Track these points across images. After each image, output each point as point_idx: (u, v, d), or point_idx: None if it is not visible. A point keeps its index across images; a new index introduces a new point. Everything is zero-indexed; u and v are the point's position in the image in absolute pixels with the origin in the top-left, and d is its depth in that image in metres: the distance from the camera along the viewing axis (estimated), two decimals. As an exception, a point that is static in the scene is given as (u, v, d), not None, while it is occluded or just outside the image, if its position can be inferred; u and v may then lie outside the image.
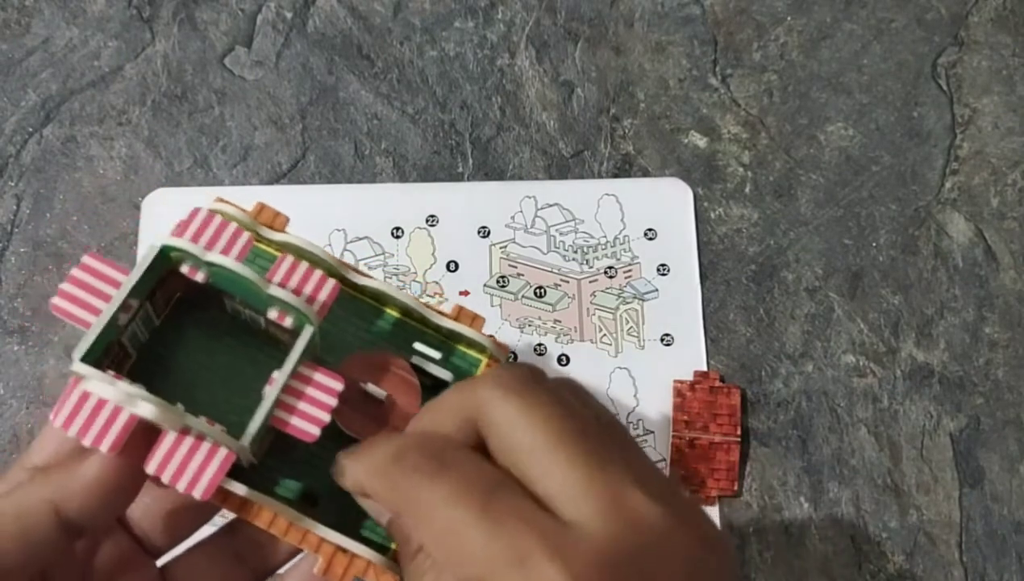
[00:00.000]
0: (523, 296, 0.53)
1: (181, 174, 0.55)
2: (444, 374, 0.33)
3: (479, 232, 0.54)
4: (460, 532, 0.25)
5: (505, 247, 0.54)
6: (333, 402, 0.30)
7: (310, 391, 0.30)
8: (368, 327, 0.34)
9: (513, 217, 0.54)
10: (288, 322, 0.30)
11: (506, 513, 0.25)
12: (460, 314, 0.34)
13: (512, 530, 0.24)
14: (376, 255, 0.53)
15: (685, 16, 0.60)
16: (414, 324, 0.35)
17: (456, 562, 0.25)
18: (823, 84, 0.59)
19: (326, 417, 0.29)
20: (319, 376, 0.30)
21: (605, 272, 0.53)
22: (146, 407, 0.27)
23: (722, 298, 0.54)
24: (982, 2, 0.61)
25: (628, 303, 0.53)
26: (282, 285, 0.30)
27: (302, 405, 0.29)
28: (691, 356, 0.52)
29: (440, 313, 0.34)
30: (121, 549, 0.33)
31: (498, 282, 0.53)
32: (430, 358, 0.34)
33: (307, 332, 0.30)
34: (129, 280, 0.29)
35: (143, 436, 0.28)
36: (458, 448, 0.27)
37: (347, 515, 0.31)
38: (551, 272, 0.53)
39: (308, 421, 0.29)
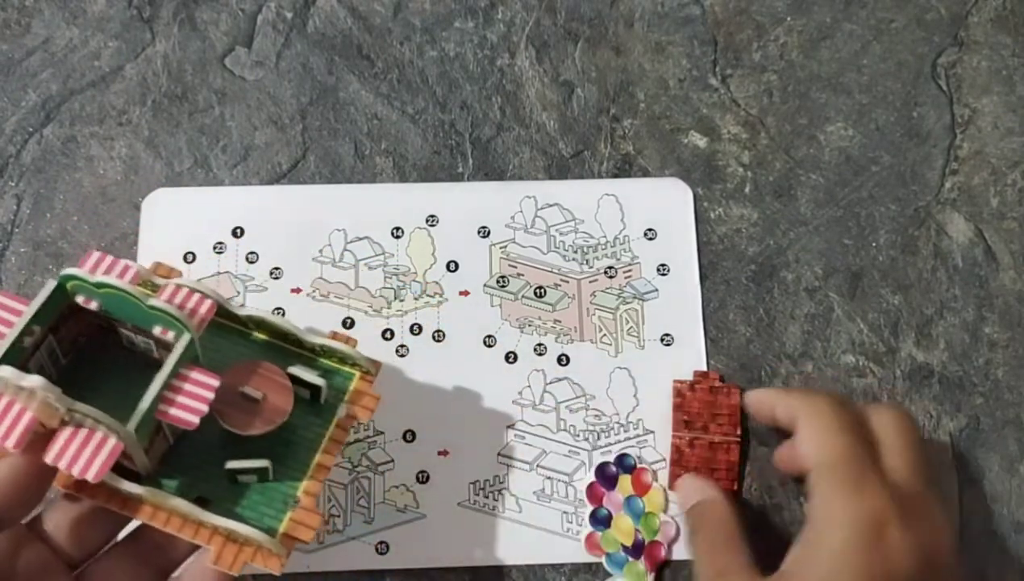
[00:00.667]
0: (523, 296, 0.53)
1: (181, 174, 0.55)
2: (316, 379, 0.39)
3: (479, 232, 0.54)
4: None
5: (505, 247, 0.54)
6: (210, 395, 0.34)
7: (188, 387, 0.34)
8: (247, 352, 0.40)
9: (513, 217, 0.54)
10: (170, 335, 0.35)
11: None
12: (335, 336, 0.41)
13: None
14: (376, 255, 0.53)
15: (685, 16, 0.60)
16: (290, 347, 0.41)
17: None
18: (823, 84, 0.59)
19: (203, 407, 0.34)
20: (196, 374, 0.34)
21: (605, 272, 0.53)
22: (33, 379, 0.30)
23: (722, 298, 0.54)
24: (982, 2, 0.61)
25: (628, 303, 0.53)
26: (166, 299, 0.35)
27: (181, 398, 0.34)
28: (691, 356, 0.52)
29: (314, 336, 0.40)
30: (41, 559, 0.35)
31: (498, 282, 0.53)
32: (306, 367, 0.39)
33: (184, 338, 0.34)
34: (32, 306, 0.34)
35: (44, 439, 0.32)
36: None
37: (234, 508, 0.37)
38: (551, 272, 0.53)
39: (187, 411, 0.34)
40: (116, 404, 0.34)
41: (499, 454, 0.49)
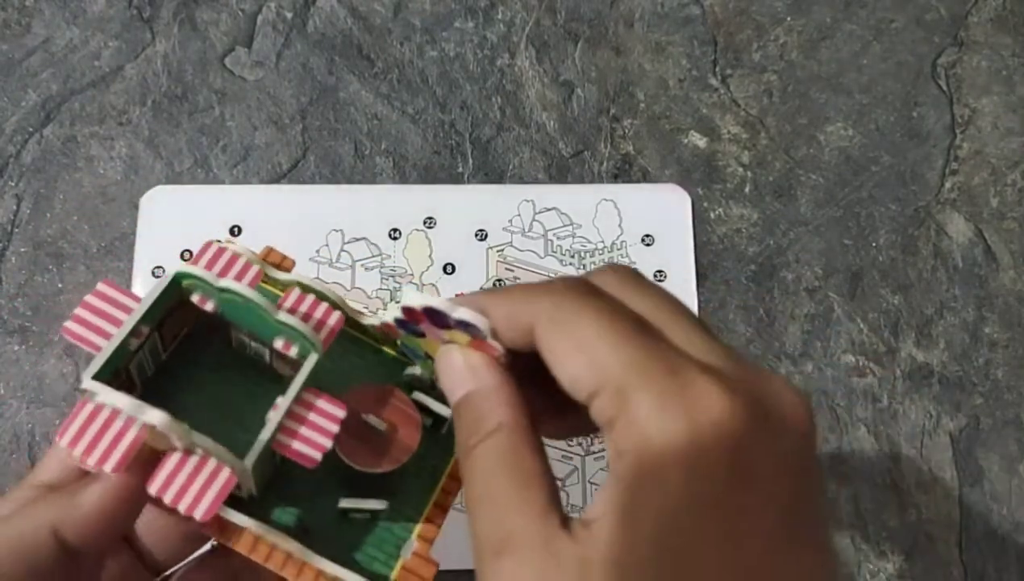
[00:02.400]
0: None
1: (181, 174, 0.55)
2: (444, 410, 0.33)
3: (477, 235, 0.54)
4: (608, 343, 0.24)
5: (502, 250, 0.54)
6: (335, 428, 0.30)
7: (312, 417, 0.30)
8: (369, 367, 0.35)
9: (511, 220, 0.54)
10: (293, 351, 0.31)
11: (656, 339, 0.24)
12: None
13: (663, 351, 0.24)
14: (373, 256, 0.53)
15: (685, 16, 0.60)
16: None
17: (601, 367, 0.24)
18: (823, 84, 0.59)
19: (328, 443, 0.30)
20: (322, 403, 0.30)
21: (604, 275, 0.53)
22: (156, 415, 0.27)
23: (722, 298, 0.54)
24: (982, 2, 0.61)
25: (626, 306, 0.53)
26: (290, 312, 0.31)
27: (304, 430, 0.30)
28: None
29: None
30: (122, 565, 0.34)
31: (495, 285, 0.53)
32: (430, 396, 0.34)
33: (311, 359, 0.30)
34: (141, 306, 0.30)
35: (147, 459, 0.29)
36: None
37: (342, 549, 0.32)
38: (548, 276, 0.53)
39: (310, 446, 0.30)
40: (215, 407, 0.32)
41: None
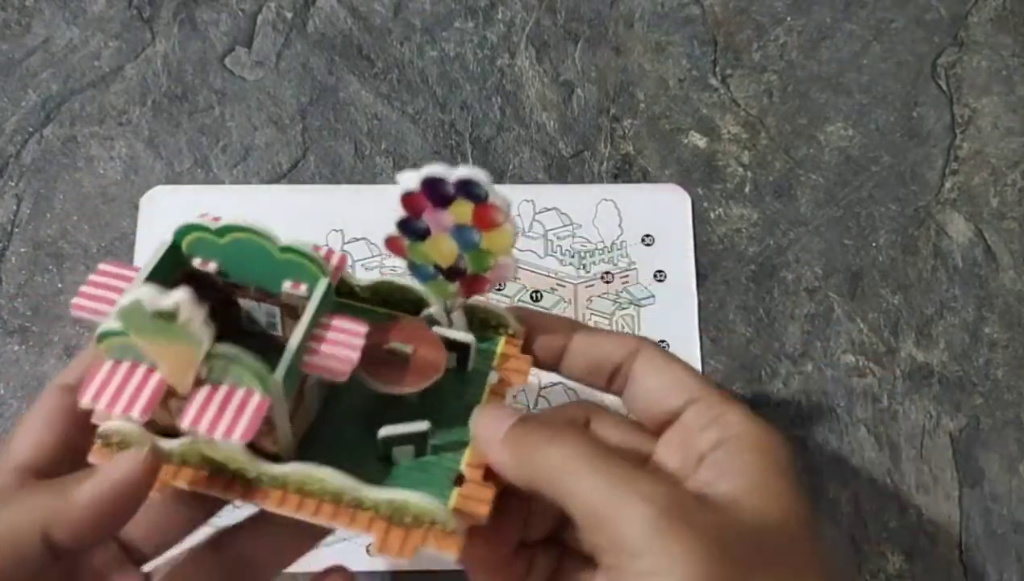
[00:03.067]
0: (519, 300, 0.53)
1: (181, 174, 0.55)
2: (467, 338, 0.34)
3: (477, 233, 0.54)
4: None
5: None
6: (359, 341, 0.30)
7: (334, 334, 0.30)
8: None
9: (512, 218, 0.54)
10: (303, 288, 0.31)
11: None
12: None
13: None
14: (373, 256, 0.53)
15: (685, 16, 0.60)
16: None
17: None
18: (823, 84, 0.59)
19: (355, 354, 0.29)
20: (341, 322, 0.30)
21: (602, 277, 0.53)
22: (177, 294, 0.26)
23: (722, 298, 0.54)
24: (982, 2, 0.61)
25: (624, 309, 0.53)
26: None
27: (328, 347, 0.30)
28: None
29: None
30: (107, 556, 0.33)
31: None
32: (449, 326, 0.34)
33: (322, 283, 0.30)
34: (146, 266, 0.30)
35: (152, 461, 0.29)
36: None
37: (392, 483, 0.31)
38: (548, 276, 0.53)
39: (338, 360, 0.29)
40: None
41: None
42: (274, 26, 0.58)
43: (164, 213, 0.54)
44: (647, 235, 0.54)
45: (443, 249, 0.32)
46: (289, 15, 0.59)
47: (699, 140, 0.57)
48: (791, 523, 0.29)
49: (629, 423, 0.35)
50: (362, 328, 0.30)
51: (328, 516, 0.30)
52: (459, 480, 0.32)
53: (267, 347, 0.32)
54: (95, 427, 0.32)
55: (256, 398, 0.28)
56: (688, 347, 0.52)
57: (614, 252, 0.54)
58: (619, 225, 0.55)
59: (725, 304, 0.54)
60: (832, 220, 0.56)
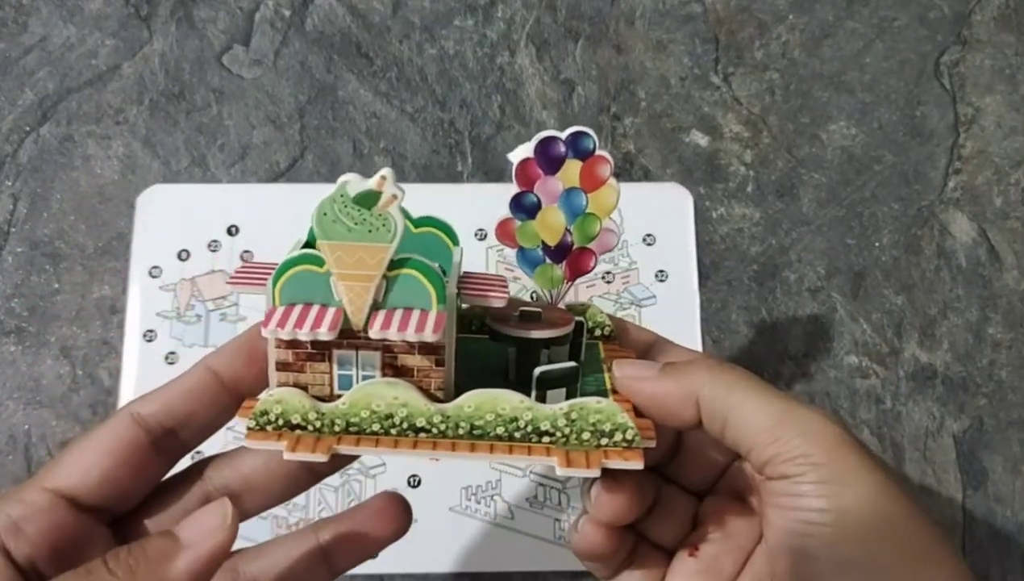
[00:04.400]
0: (521, 298, 0.52)
1: (179, 173, 0.55)
2: (567, 364, 0.34)
3: (476, 234, 0.54)
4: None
5: (502, 250, 0.53)
6: (505, 285, 0.33)
7: (483, 280, 0.33)
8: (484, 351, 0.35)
9: (513, 217, 0.54)
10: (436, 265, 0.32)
11: None
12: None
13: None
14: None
15: (686, 14, 0.60)
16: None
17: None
18: (825, 83, 0.58)
19: (506, 290, 0.32)
20: (484, 275, 0.33)
21: (603, 277, 0.53)
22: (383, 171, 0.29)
23: (724, 298, 0.53)
24: (985, 1, 0.60)
25: (625, 309, 0.53)
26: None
27: (484, 289, 0.32)
28: (692, 358, 0.52)
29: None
30: None
31: (498, 282, 0.53)
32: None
33: (457, 251, 0.34)
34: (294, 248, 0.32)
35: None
36: None
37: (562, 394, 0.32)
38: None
39: (497, 290, 0.32)
40: None
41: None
42: (272, 24, 0.58)
43: (161, 212, 0.53)
44: (648, 234, 0.54)
45: (552, 223, 0.35)
46: (287, 13, 0.58)
47: (701, 139, 0.57)
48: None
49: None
50: (504, 277, 0.33)
51: (504, 452, 0.30)
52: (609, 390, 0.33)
53: None
54: (154, 470, 0.32)
55: (434, 314, 0.30)
56: (691, 346, 0.52)
57: (615, 252, 0.54)
58: (620, 224, 0.54)
59: (727, 304, 0.53)
60: (835, 219, 0.55)
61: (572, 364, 0.32)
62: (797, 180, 0.56)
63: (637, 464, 0.30)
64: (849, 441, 0.29)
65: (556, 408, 0.30)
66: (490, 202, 0.54)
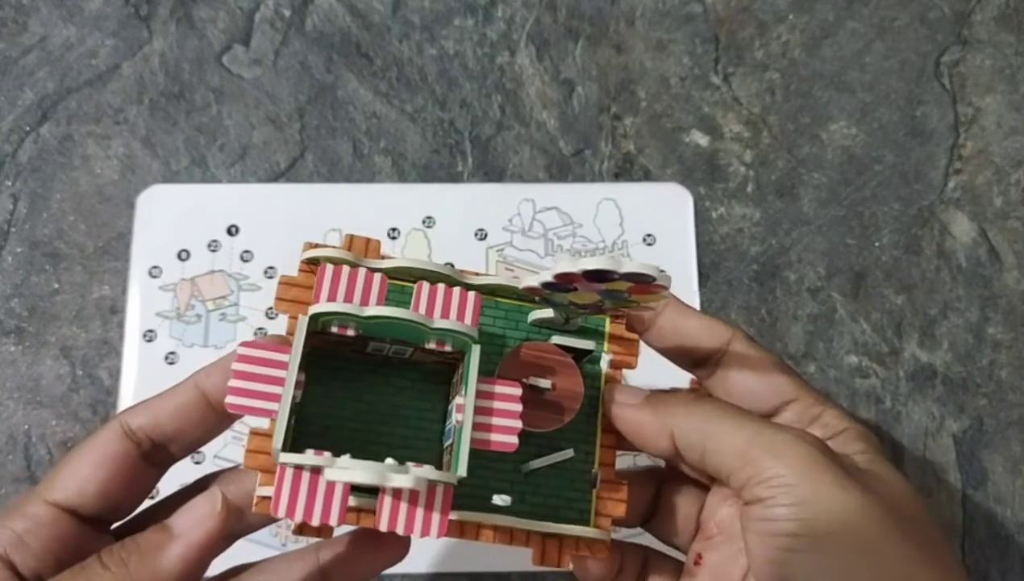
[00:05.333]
0: (522, 298, 0.52)
1: (178, 173, 0.55)
2: (586, 344, 0.34)
3: (476, 234, 0.54)
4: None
5: (502, 250, 0.53)
6: (519, 407, 0.31)
7: (496, 405, 0.31)
8: (497, 318, 0.35)
9: (511, 220, 0.54)
10: (448, 346, 0.31)
11: None
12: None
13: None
14: (375, 255, 0.53)
15: (686, 14, 0.59)
16: (531, 305, 0.35)
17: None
18: (825, 83, 0.58)
19: (519, 423, 0.30)
20: (498, 388, 0.31)
21: (604, 275, 0.53)
22: (367, 472, 0.27)
23: (724, 298, 0.53)
24: (985, 1, 0.60)
25: (627, 306, 0.53)
26: (429, 311, 0.31)
27: (494, 420, 0.30)
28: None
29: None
30: None
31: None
32: (567, 332, 0.35)
33: (475, 352, 0.31)
34: (293, 359, 0.29)
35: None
36: None
37: (539, 503, 0.33)
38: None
39: (505, 433, 0.30)
40: (368, 414, 0.32)
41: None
42: (272, 24, 0.58)
43: (161, 212, 0.53)
44: (648, 234, 0.54)
45: (586, 298, 0.32)
46: (287, 13, 0.58)
47: (701, 139, 0.57)
48: (907, 505, 0.30)
49: (774, 366, 0.36)
50: (517, 391, 0.31)
51: (489, 538, 0.32)
52: (594, 480, 0.34)
53: (386, 365, 0.33)
54: (147, 479, 0.33)
55: (441, 492, 0.29)
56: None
57: (615, 252, 0.54)
58: (620, 224, 0.54)
59: (727, 304, 0.53)
60: (835, 219, 0.55)
61: (567, 455, 0.33)
62: (797, 180, 0.56)
63: (605, 555, 0.33)
64: (823, 460, 0.28)
65: (539, 528, 0.32)
66: (490, 202, 0.54)
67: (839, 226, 0.55)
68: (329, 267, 0.30)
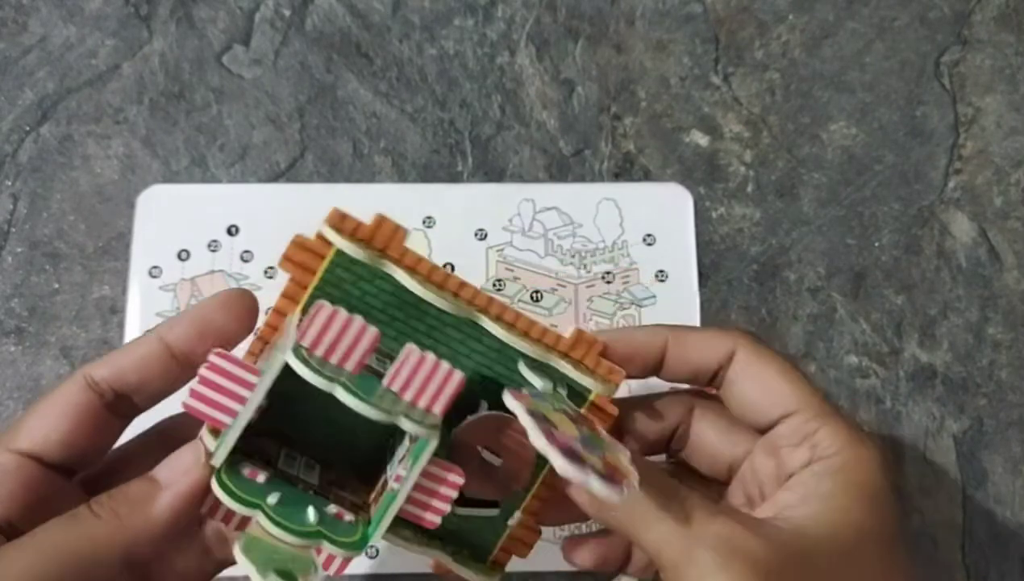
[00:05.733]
0: (519, 300, 0.52)
1: (178, 173, 0.55)
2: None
3: (476, 234, 0.54)
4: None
5: (502, 250, 0.53)
6: (453, 494, 0.31)
7: (438, 488, 0.31)
8: (486, 354, 0.34)
9: (511, 220, 0.54)
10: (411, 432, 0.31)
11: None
12: (579, 341, 0.34)
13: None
14: (375, 255, 0.53)
15: (686, 14, 0.59)
16: (517, 338, 0.34)
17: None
18: (825, 83, 0.58)
19: (447, 507, 0.31)
20: (446, 474, 0.31)
21: (603, 277, 0.53)
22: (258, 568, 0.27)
23: (724, 298, 0.53)
24: (985, 1, 0.60)
25: (625, 309, 0.53)
26: (403, 390, 0.30)
27: (430, 500, 0.31)
28: (691, 360, 0.52)
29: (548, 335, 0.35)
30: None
31: (494, 285, 0.53)
32: (531, 385, 0.34)
33: (430, 447, 0.30)
34: (260, 389, 0.29)
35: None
36: None
37: (457, 533, 0.35)
38: (548, 276, 0.53)
39: (434, 513, 0.31)
40: (325, 434, 0.33)
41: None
42: (272, 24, 0.58)
43: (161, 212, 0.53)
44: (648, 234, 0.54)
45: (567, 429, 0.32)
46: (287, 13, 0.58)
47: (701, 139, 0.57)
48: (867, 551, 0.30)
49: (731, 417, 0.36)
50: (459, 480, 0.31)
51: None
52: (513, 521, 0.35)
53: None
54: (111, 429, 0.33)
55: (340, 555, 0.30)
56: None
57: (615, 252, 0.54)
58: (620, 224, 0.54)
59: (727, 304, 0.53)
60: (835, 219, 0.55)
61: (492, 514, 0.34)
62: (797, 180, 0.56)
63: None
64: (728, 559, 0.29)
65: (440, 558, 0.35)
66: (490, 202, 0.54)
67: (839, 226, 0.55)
68: (325, 310, 0.29)
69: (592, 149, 0.56)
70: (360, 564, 0.47)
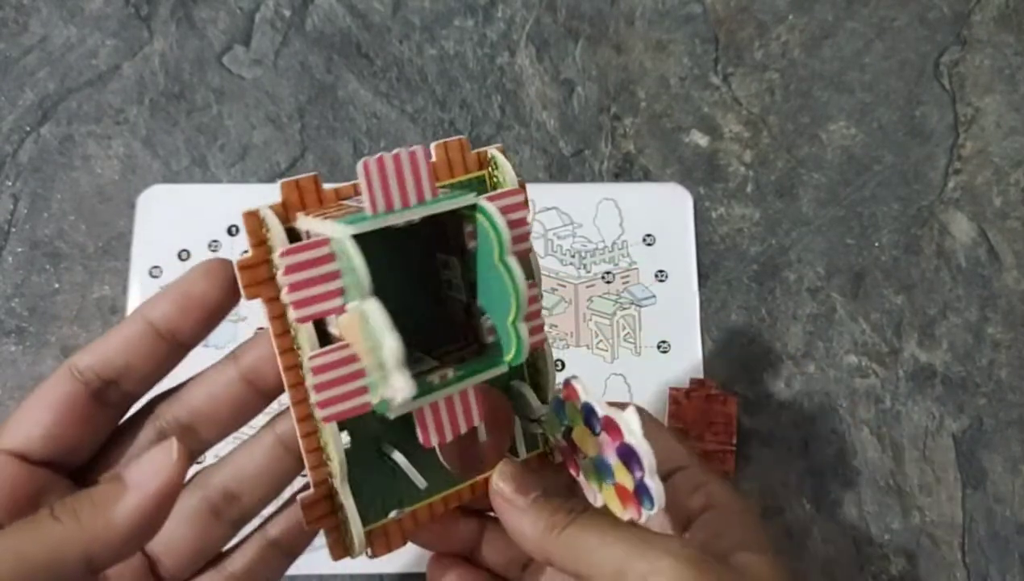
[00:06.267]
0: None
1: (179, 173, 0.55)
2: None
3: (477, 233, 0.54)
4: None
5: (504, 248, 0.53)
6: (463, 429, 0.30)
7: (458, 408, 0.30)
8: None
9: (512, 218, 0.54)
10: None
11: None
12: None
13: None
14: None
15: (686, 14, 0.60)
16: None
17: None
18: (825, 83, 0.58)
19: (450, 436, 0.30)
20: (473, 402, 0.31)
21: (603, 277, 0.53)
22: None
23: (723, 298, 0.54)
24: (984, 1, 0.60)
25: (625, 309, 0.53)
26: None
27: (446, 418, 0.30)
28: (687, 364, 0.52)
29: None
30: (133, 569, 0.33)
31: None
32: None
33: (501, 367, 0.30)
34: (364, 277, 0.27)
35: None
36: None
37: (361, 479, 0.32)
38: (548, 276, 0.53)
39: (439, 432, 0.30)
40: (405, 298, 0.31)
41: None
42: (272, 24, 0.58)
43: (161, 212, 0.53)
44: (648, 234, 0.54)
45: (587, 443, 0.32)
46: (287, 13, 0.58)
47: (700, 139, 0.57)
48: (780, 574, 0.32)
49: (668, 434, 0.37)
50: (477, 419, 0.31)
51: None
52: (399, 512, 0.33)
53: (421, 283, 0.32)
54: (101, 420, 0.32)
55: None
56: (689, 347, 0.52)
57: (615, 252, 0.54)
58: (620, 225, 0.54)
59: (727, 304, 0.53)
60: (834, 219, 0.55)
61: (421, 485, 0.33)
62: (797, 180, 0.56)
63: (333, 558, 0.33)
64: (695, 569, 0.29)
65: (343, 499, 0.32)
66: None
67: (839, 226, 0.55)
68: (371, 163, 0.28)
69: (592, 149, 0.56)
70: (360, 564, 0.47)
